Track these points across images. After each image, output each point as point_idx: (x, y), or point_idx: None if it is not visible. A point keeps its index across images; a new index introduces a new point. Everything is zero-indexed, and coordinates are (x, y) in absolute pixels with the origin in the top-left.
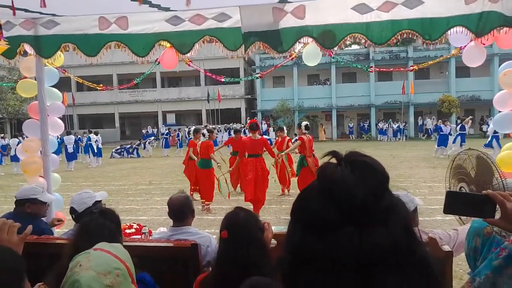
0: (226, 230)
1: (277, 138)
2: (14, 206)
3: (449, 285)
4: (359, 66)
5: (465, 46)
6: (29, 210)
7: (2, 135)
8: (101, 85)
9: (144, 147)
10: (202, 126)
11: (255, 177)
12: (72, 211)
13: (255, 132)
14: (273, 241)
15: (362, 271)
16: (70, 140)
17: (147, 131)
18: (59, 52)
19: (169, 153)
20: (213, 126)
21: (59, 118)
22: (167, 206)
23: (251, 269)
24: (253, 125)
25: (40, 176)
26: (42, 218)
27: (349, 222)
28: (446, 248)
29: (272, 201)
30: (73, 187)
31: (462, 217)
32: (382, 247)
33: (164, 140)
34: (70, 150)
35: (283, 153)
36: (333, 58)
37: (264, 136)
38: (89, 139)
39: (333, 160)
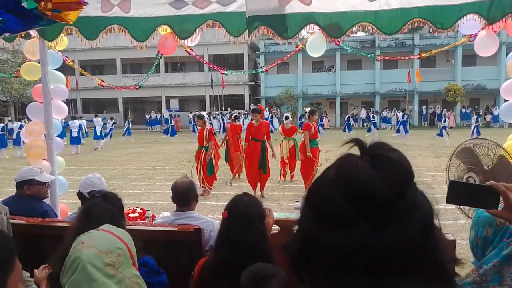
0: (227, 211)
1: (282, 124)
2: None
3: None
4: (366, 55)
5: (475, 34)
6: (29, 191)
7: (10, 118)
8: (105, 82)
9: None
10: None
11: (255, 160)
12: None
13: (257, 117)
14: (275, 227)
15: (373, 272)
16: (74, 124)
17: (151, 116)
18: (61, 35)
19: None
20: (216, 112)
21: (63, 102)
22: (170, 191)
23: (248, 252)
24: (256, 109)
25: (44, 159)
26: (44, 200)
27: (364, 219)
28: (450, 237)
29: (274, 187)
30: (77, 171)
31: (464, 207)
32: (397, 249)
33: (171, 127)
34: (75, 134)
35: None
36: (339, 46)
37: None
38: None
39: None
